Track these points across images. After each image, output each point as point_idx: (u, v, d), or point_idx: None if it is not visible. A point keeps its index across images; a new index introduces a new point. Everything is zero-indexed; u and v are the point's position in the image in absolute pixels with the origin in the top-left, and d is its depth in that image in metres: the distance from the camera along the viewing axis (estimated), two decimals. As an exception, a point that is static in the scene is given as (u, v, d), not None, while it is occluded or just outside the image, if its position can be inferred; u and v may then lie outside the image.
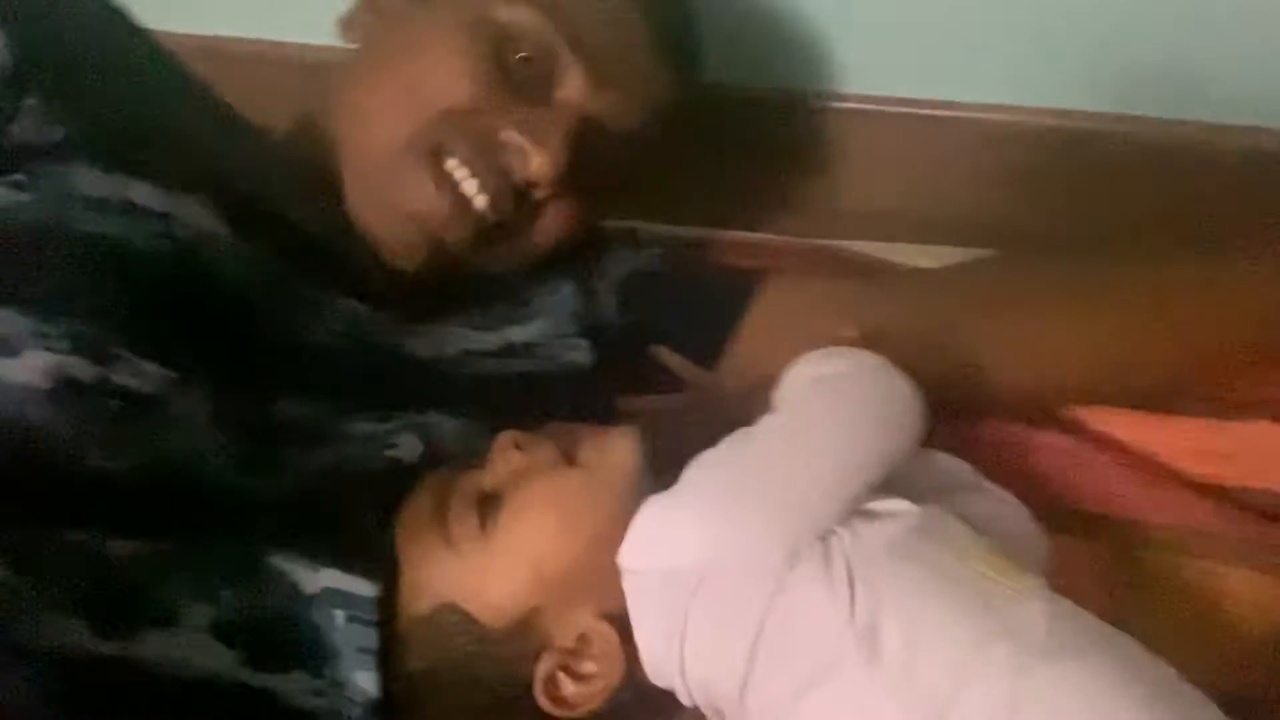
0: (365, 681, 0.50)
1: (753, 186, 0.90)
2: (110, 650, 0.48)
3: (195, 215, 0.57)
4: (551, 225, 0.67)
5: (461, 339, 0.67)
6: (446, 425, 0.61)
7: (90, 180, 0.54)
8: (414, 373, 0.64)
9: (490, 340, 0.67)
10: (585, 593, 0.52)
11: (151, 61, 0.65)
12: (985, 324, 0.64)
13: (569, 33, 0.63)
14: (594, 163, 0.64)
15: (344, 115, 0.67)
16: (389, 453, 0.58)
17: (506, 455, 0.54)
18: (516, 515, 0.52)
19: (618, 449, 0.55)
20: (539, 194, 0.64)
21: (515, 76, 0.64)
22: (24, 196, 0.53)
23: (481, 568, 0.52)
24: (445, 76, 0.63)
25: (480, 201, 0.63)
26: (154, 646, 0.49)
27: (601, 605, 0.52)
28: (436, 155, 0.63)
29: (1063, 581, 0.50)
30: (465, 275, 0.67)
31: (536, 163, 0.61)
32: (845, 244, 0.88)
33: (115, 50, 0.63)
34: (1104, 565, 0.63)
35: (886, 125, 0.88)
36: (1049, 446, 0.67)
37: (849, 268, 0.85)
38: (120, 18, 0.65)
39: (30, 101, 0.55)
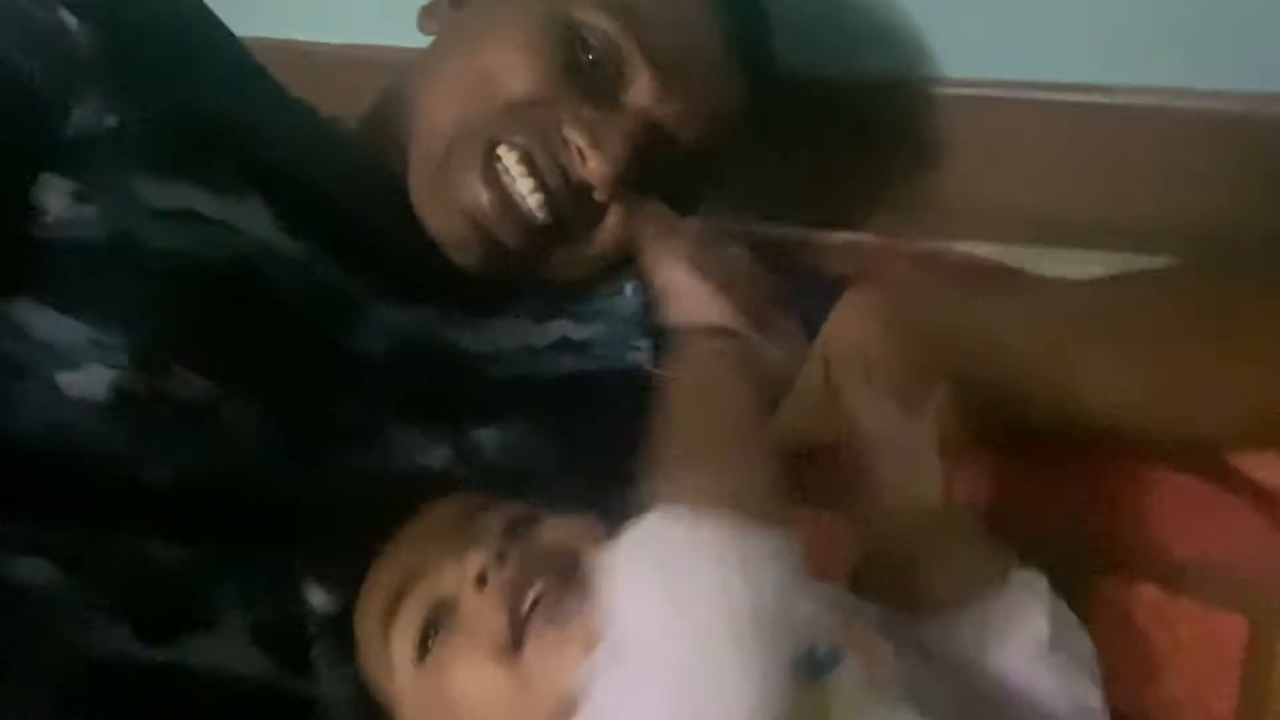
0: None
1: (852, 181, 0.84)
2: (154, 656, 0.49)
3: (253, 222, 0.57)
4: (613, 233, 0.64)
5: (518, 333, 0.66)
6: (488, 438, 0.60)
7: (150, 189, 0.55)
8: (464, 379, 0.62)
9: (546, 333, 0.66)
10: None
11: (223, 54, 0.66)
12: (1098, 351, 0.58)
13: (640, 36, 0.62)
14: (660, 170, 0.63)
15: (414, 105, 0.66)
16: (420, 460, 0.58)
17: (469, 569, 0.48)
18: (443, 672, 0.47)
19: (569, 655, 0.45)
20: (598, 197, 0.62)
21: (585, 77, 0.62)
22: (87, 209, 0.53)
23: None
24: (513, 68, 0.62)
25: (532, 202, 0.61)
26: (196, 651, 0.50)
27: None
28: (492, 150, 0.61)
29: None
30: (527, 279, 0.66)
31: (594, 164, 0.60)
32: (953, 245, 0.80)
33: (188, 41, 0.63)
34: (1239, 638, 0.53)
35: (1003, 111, 0.78)
36: (1180, 487, 0.58)
37: (958, 273, 0.78)
38: (203, 10, 0.66)
39: (96, 88, 0.56)
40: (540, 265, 0.65)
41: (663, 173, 0.63)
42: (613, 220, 0.64)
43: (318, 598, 0.52)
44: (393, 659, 0.49)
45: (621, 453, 0.51)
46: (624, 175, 0.60)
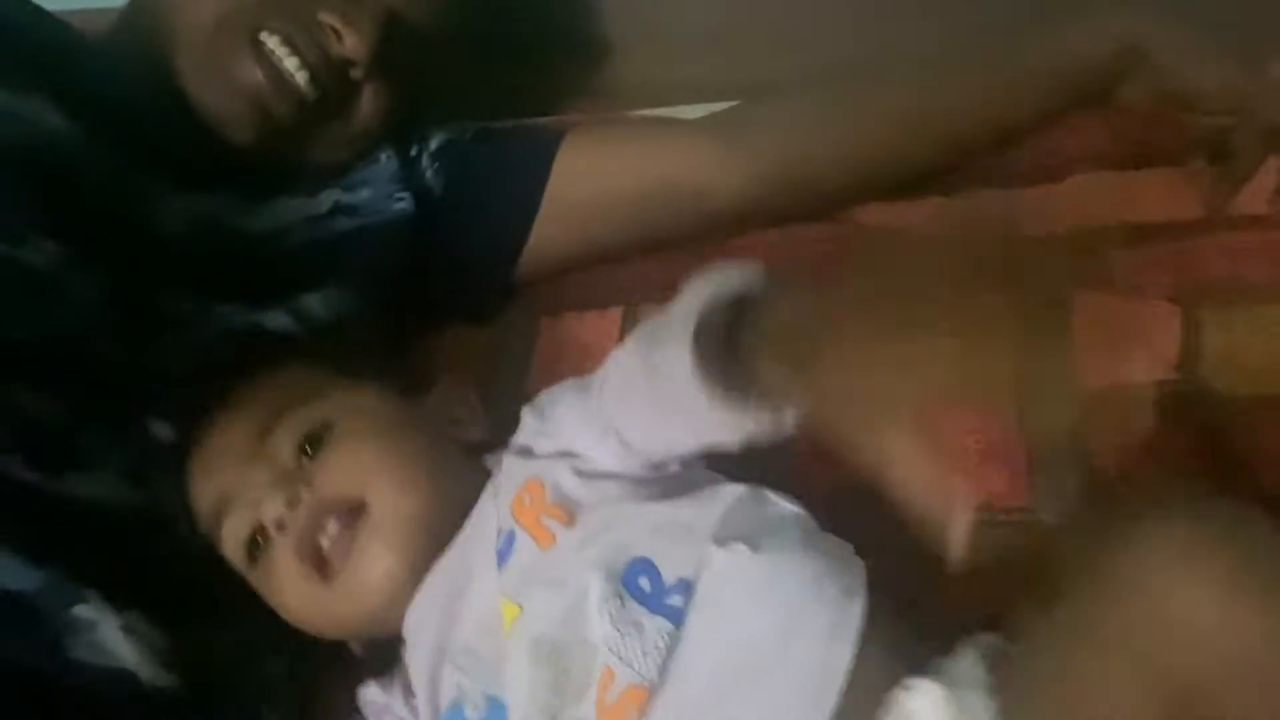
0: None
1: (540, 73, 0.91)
2: (39, 481, 0.53)
3: (41, 113, 0.61)
4: (370, 109, 0.71)
5: (295, 209, 0.71)
6: (313, 302, 0.67)
7: None
8: (258, 255, 0.68)
9: (320, 204, 0.72)
10: None
11: None
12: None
13: None
14: (402, 50, 0.70)
15: (159, 8, 0.70)
16: (261, 321, 0.65)
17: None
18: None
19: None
20: (356, 74, 0.69)
21: None
22: None
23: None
24: None
25: (300, 78, 0.67)
26: (75, 484, 0.55)
27: None
28: (255, 36, 0.67)
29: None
30: (296, 160, 0.71)
31: (351, 41, 0.67)
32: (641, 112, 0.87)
33: None
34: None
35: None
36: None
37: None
38: None
39: None
40: (308, 145, 0.71)
41: (406, 50, 0.70)
42: (369, 96, 0.71)
43: (161, 430, 0.59)
44: (227, 552, 0.58)
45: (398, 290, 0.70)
46: (375, 52, 0.67)
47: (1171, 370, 0.62)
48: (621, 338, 0.72)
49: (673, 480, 0.55)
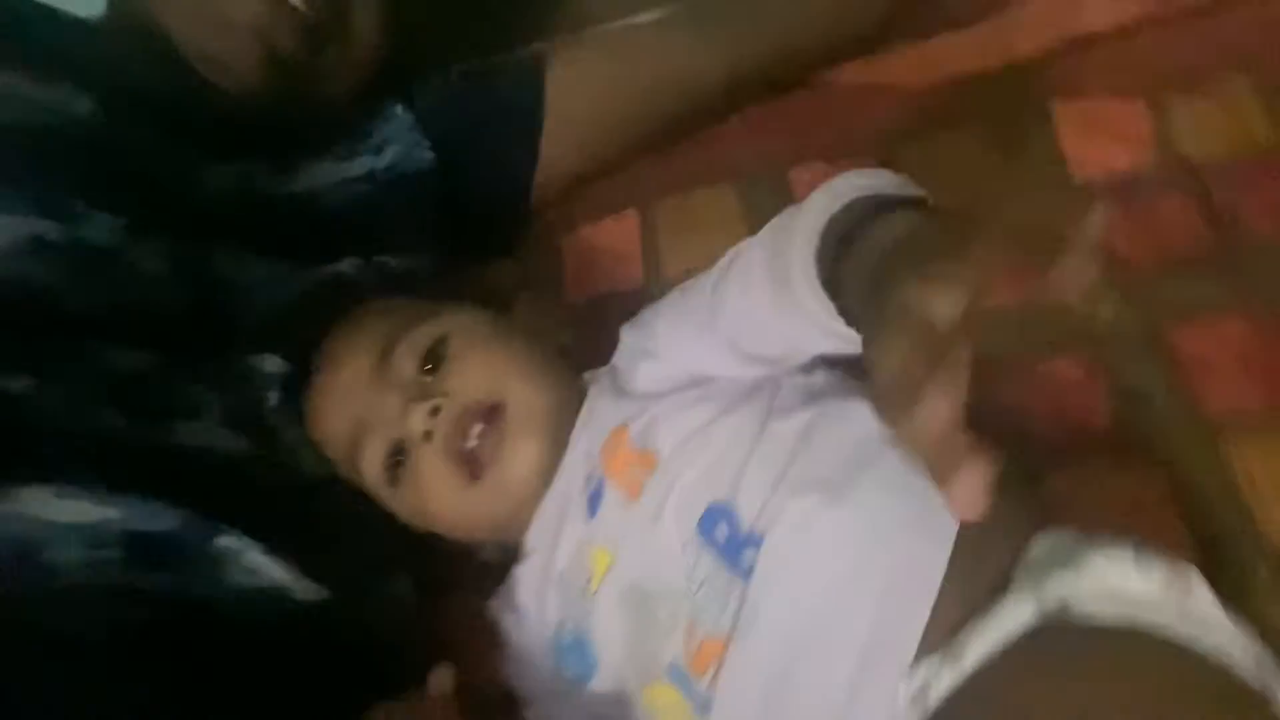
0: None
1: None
2: (146, 437, 0.56)
3: (70, 100, 0.62)
4: (368, 35, 0.71)
5: (331, 172, 0.73)
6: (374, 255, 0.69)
7: None
8: (309, 215, 0.70)
9: (353, 168, 0.74)
10: None
11: None
12: None
13: None
14: None
15: None
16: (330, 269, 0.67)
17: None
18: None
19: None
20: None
21: None
22: None
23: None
24: None
25: (297, 1, 0.66)
26: (183, 434, 0.57)
27: None
28: None
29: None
30: (306, 105, 0.71)
31: None
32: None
33: None
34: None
35: None
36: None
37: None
38: None
39: None
40: (315, 80, 0.69)
41: None
42: (364, 21, 0.70)
43: (270, 363, 0.62)
44: (364, 476, 0.61)
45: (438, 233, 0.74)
46: None
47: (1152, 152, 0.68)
48: (643, 236, 0.76)
49: (764, 407, 0.56)
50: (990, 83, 0.72)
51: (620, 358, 0.62)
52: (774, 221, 0.54)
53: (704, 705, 0.52)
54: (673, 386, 0.58)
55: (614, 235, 0.77)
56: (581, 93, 0.78)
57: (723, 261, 0.57)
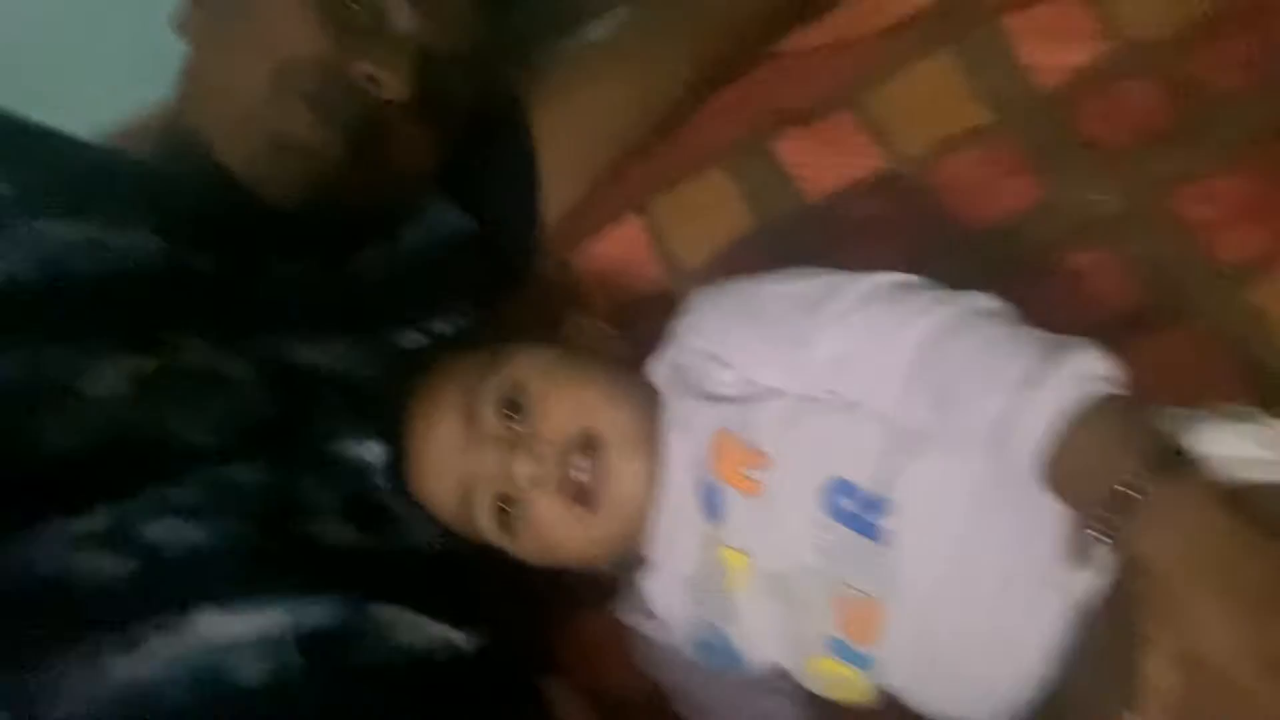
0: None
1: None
2: (280, 541, 0.58)
3: (146, 243, 0.64)
4: (415, 145, 0.72)
5: (378, 250, 0.74)
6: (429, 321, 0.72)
7: (57, 231, 0.61)
8: (372, 299, 0.71)
9: (398, 242, 0.76)
10: None
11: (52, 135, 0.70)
12: None
13: None
14: (435, 87, 0.70)
15: (203, 96, 0.72)
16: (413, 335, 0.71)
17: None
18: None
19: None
20: (394, 115, 0.69)
21: (355, 22, 0.69)
22: (6, 261, 0.59)
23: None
24: (289, 27, 0.68)
25: (346, 124, 0.67)
26: (313, 532, 0.60)
27: None
28: (297, 91, 0.67)
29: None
30: (365, 206, 0.72)
31: (387, 79, 0.67)
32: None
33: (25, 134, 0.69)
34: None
35: None
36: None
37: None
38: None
39: None
40: (354, 190, 0.70)
41: (438, 87, 0.70)
42: (412, 133, 0.71)
43: (369, 451, 0.64)
44: (482, 532, 0.62)
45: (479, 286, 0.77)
46: (414, 91, 0.68)
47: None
48: (650, 239, 0.77)
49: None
50: (940, 14, 0.75)
51: (681, 355, 0.63)
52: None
53: (868, 664, 0.55)
54: (752, 391, 0.59)
55: (620, 243, 0.79)
56: (564, 127, 0.80)
57: (820, 290, 0.57)
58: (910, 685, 0.56)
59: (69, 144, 0.69)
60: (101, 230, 0.62)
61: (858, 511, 0.54)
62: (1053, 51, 0.72)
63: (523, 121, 0.81)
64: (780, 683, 0.60)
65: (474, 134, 0.78)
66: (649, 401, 0.62)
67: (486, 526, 0.62)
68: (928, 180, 0.72)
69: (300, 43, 0.68)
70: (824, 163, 0.75)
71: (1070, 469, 0.47)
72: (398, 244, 0.76)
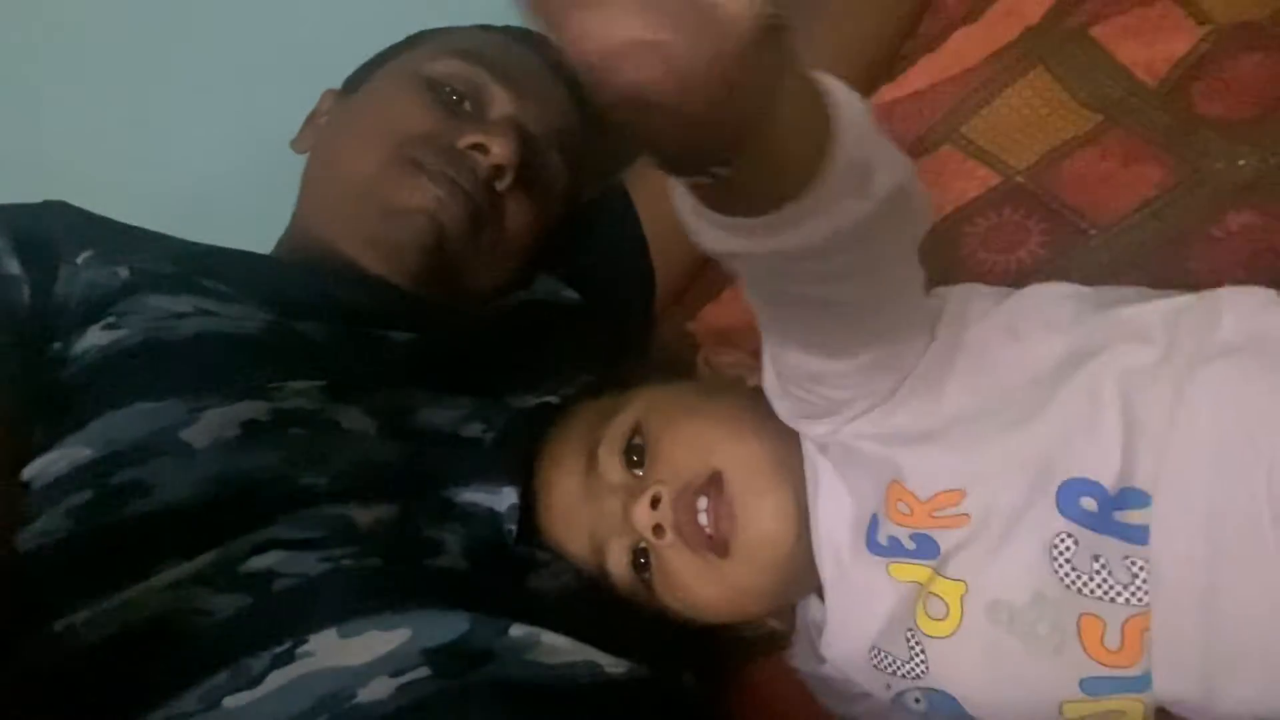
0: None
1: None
2: (406, 571, 0.55)
3: (253, 315, 0.64)
4: (519, 219, 0.74)
5: (490, 331, 0.74)
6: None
7: (167, 304, 0.62)
8: (483, 362, 0.71)
9: (510, 301, 0.77)
10: None
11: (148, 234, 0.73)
12: None
13: (486, 66, 0.75)
14: (536, 161, 0.74)
15: (320, 190, 0.75)
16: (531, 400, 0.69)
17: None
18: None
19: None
20: (502, 185, 0.72)
21: (459, 110, 0.74)
22: (120, 332, 0.60)
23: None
24: (400, 109, 0.73)
25: (465, 184, 0.70)
26: (437, 562, 0.57)
27: None
28: (414, 165, 0.70)
29: None
30: (458, 287, 0.74)
31: (497, 149, 0.70)
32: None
33: (139, 233, 0.71)
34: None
35: None
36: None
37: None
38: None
39: (86, 254, 0.65)
40: (470, 262, 0.73)
41: (539, 165, 0.75)
42: (515, 208, 0.74)
43: (496, 499, 0.60)
44: (618, 586, 0.59)
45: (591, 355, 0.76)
46: (520, 156, 0.71)
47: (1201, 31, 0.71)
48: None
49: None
50: (1021, 45, 0.76)
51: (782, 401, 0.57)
52: None
53: (1144, 686, 0.47)
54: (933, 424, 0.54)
55: (736, 307, 0.77)
56: (664, 203, 0.80)
57: None
58: (1201, 692, 0.47)
59: (180, 241, 0.72)
60: (210, 301, 0.63)
61: (1102, 510, 0.47)
62: (1150, 46, 0.72)
63: (628, 206, 0.82)
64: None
65: (578, 215, 0.80)
66: (786, 436, 0.57)
67: (623, 580, 0.57)
68: (1048, 184, 0.70)
69: (413, 123, 0.72)
70: (936, 194, 0.74)
71: None
72: (512, 315, 0.76)
